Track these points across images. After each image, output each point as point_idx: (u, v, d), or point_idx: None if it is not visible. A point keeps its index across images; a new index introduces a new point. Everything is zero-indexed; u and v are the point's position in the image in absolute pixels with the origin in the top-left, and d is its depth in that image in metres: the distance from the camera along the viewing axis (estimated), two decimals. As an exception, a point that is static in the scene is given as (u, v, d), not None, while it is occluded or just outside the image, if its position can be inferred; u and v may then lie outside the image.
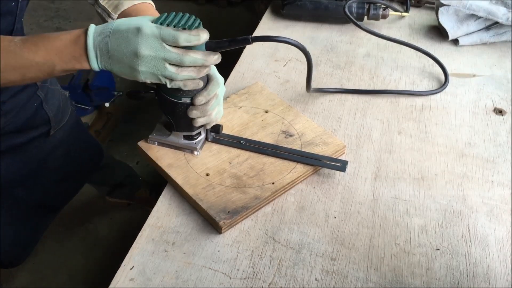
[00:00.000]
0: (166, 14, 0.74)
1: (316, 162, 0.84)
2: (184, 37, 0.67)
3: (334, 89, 1.03)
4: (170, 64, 0.68)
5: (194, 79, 0.72)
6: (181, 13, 0.74)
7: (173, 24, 0.71)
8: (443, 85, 1.05)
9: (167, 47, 0.67)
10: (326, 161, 0.84)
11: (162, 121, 0.86)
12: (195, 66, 0.70)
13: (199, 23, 0.73)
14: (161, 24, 0.71)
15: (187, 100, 0.78)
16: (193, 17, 0.73)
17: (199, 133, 0.85)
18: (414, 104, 1.01)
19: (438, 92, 1.04)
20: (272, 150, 0.85)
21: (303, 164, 0.84)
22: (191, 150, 0.84)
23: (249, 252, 0.73)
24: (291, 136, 0.89)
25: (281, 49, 1.15)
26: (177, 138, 0.84)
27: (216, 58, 0.71)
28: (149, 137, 0.86)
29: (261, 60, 1.12)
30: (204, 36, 0.69)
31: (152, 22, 0.69)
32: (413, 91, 1.04)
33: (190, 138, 0.84)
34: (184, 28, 0.71)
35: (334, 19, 1.24)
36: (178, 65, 0.69)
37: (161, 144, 0.85)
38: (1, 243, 1.11)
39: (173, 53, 0.68)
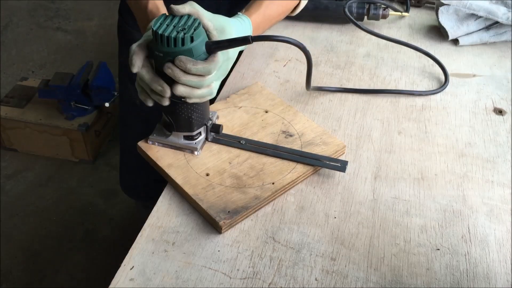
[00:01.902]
0: (165, 14, 0.74)
1: (316, 162, 0.84)
2: (131, 52, 0.75)
3: (334, 88, 1.03)
4: None
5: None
6: (184, 16, 0.74)
7: (173, 24, 0.72)
8: (443, 85, 1.05)
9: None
10: (326, 161, 0.84)
11: (162, 121, 0.86)
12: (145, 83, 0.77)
13: (199, 23, 0.73)
14: (160, 24, 0.71)
15: (187, 100, 0.78)
16: (193, 17, 0.73)
17: (199, 133, 0.85)
18: (414, 104, 1.01)
19: (438, 92, 1.04)
20: (272, 150, 0.85)
21: (303, 164, 0.84)
22: (191, 150, 0.84)
23: (249, 252, 0.73)
24: (291, 136, 0.89)
25: (281, 49, 1.15)
26: (177, 138, 0.84)
27: (160, 90, 0.75)
28: (149, 137, 0.86)
29: (261, 60, 1.12)
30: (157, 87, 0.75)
31: (155, 20, 0.73)
32: (414, 91, 1.04)
33: (190, 138, 0.84)
34: (184, 29, 0.71)
35: (334, 19, 1.24)
36: None
37: (161, 144, 0.85)
38: None
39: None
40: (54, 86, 2.13)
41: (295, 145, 0.87)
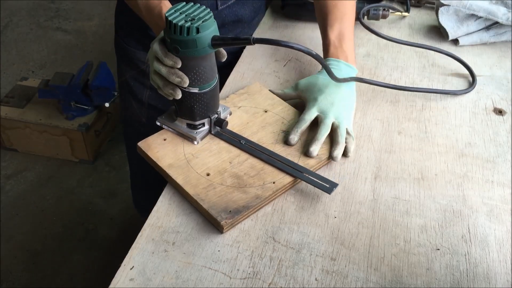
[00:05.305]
0: (184, 3, 0.76)
1: (305, 178, 0.81)
2: (154, 47, 0.78)
3: (374, 82, 0.99)
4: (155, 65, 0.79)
5: (161, 89, 0.81)
6: (198, 5, 0.77)
7: (185, 13, 0.74)
8: (472, 84, 1.06)
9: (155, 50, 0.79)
10: (317, 179, 0.81)
11: (174, 107, 0.88)
12: (163, 77, 0.79)
13: (211, 16, 0.75)
14: (174, 11, 0.75)
15: (191, 89, 0.80)
16: (208, 10, 0.76)
17: (203, 124, 0.86)
18: (414, 104, 1.01)
19: (469, 92, 1.04)
20: (267, 156, 0.84)
21: (293, 176, 0.81)
22: (191, 139, 0.86)
23: (249, 252, 0.73)
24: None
25: (281, 49, 1.15)
26: (181, 124, 0.86)
27: (178, 80, 0.78)
28: (157, 118, 0.88)
29: (261, 60, 1.12)
30: (168, 62, 0.77)
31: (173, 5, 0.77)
32: (446, 90, 1.04)
33: (193, 127, 0.86)
34: (193, 19, 0.73)
35: (334, 19, 1.24)
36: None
37: (167, 127, 0.88)
38: None
39: (152, 55, 0.79)
40: (54, 86, 2.13)
41: (296, 145, 0.87)
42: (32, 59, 2.91)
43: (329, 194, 0.80)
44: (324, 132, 0.86)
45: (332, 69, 0.91)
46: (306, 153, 0.85)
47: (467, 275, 0.71)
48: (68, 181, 2.23)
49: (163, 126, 0.88)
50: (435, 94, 1.03)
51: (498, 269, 0.72)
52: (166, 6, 0.90)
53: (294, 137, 0.87)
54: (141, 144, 0.86)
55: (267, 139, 0.88)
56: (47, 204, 2.13)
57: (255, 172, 0.82)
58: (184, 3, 0.76)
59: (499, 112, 1.00)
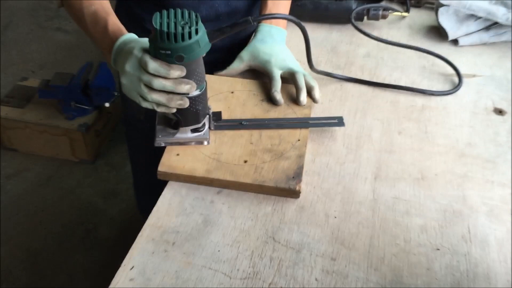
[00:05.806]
0: (158, 13, 0.75)
1: (317, 124, 0.91)
2: (152, 66, 0.74)
3: (342, 76, 1.05)
4: (144, 84, 0.76)
5: (165, 105, 0.78)
6: (173, 10, 0.75)
7: (173, 21, 0.73)
8: (457, 86, 1.05)
9: (143, 69, 0.75)
10: (324, 121, 0.92)
11: (161, 121, 0.86)
12: (165, 92, 0.77)
13: (197, 16, 0.76)
14: (161, 23, 0.72)
15: (194, 93, 0.80)
16: (193, 13, 0.75)
17: (204, 124, 0.86)
18: (414, 104, 1.01)
19: (452, 93, 1.04)
20: (274, 123, 0.89)
21: (307, 127, 0.89)
22: (201, 141, 0.85)
23: (249, 252, 0.73)
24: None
25: (281, 49, 1.15)
26: (185, 133, 0.85)
27: (188, 87, 0.77)
28: (155, 140, 0.85)
29: (261, 60, 1.12)
30: (175, 73, 0.75)
31: (153, 19, 0.73)
32: (427, 90, 1.04)
33: (197, 130, 0.85)
34: (186, 23, 0.73)
35: (334, 19, 1.24)
36: (150, 87, 0.76)
37: (169, 143, 0.85)
38: None
39: (145, 75, 0.75)
40: (54, 86, 2.13)
41: (283, 106, 0.93)
42: (32, 59, 2.91)
43: (344, 126, 0.91)
44: (301, 80, 0.94)
45: (265, 35, 1.01)
46: (298, 103, 0.93)
47: (467, 275, 0.71)
48: (68, 181, 2.23)
49: (164, 144, 0.85)
50: (434, 95, 1.03)
51: (498, 269, 0.72)
52: (113, 20, 0.87)
53: (280, 97, 0.94)
54: (162, 168, 0.82)
55: (257, 112, 0.92)
56: (47, 204, 2.13)
57: (277, 140, 0.86)
58: (159, 13, 0.74)
59: (499, 112, 1.00)
